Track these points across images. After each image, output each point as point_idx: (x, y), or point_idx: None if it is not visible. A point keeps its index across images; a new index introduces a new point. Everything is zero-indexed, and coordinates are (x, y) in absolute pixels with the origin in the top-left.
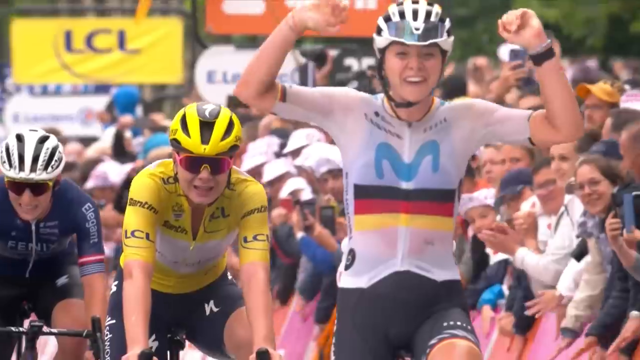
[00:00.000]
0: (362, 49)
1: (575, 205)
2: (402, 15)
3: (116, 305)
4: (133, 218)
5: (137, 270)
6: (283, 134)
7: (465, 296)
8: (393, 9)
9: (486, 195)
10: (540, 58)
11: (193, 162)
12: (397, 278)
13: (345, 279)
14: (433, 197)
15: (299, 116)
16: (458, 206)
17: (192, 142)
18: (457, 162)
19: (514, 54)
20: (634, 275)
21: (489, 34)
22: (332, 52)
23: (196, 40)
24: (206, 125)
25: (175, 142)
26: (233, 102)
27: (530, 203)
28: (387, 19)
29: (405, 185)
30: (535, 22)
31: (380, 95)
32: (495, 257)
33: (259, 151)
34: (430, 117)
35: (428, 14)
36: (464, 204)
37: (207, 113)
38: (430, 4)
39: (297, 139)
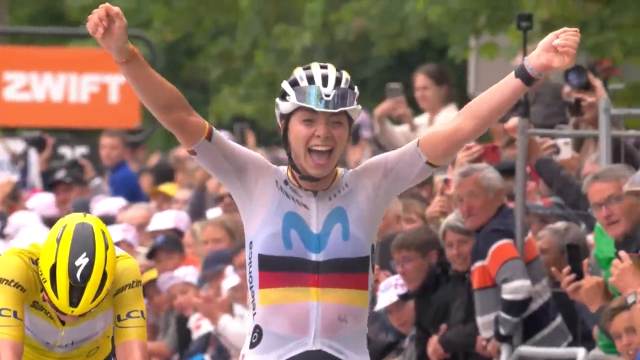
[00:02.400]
0: (75, 139)
1: None
2: (310, 80)
3: None
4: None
5: (5, 349)
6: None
7: None
8: (300, 73)
9: (186, 272)
10: (528, 80)
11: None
12: (310, 358)
13: (251, 358)
14: (345, 268)
15: (215, 164)
16: (372, 278)
17: (60, 303)
18: (367, 228)
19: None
20: None
21: None
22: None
23: None
24: (76, 289)
25: (43, 289)
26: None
27: (229, 281)
28: (294, 84)
29: (314, 257)
30: (555, 64)
31: (283, 167)
32: (197, 332)
33: None
34: (334, 186)
35: (338, 80)
36: (166, 282)
37: (78, 275)
38: (338, 70)
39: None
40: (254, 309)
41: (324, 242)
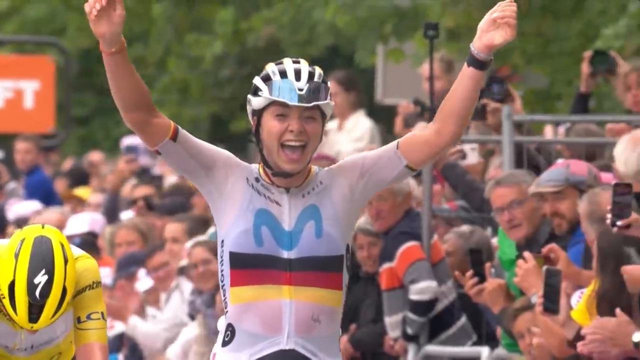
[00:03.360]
0: None
1: (184, 284)
2: (283, 74)
3: None
4: None
5: None
6: None
7: None
8: (272, 68)
9: (102, 275)
10: (481, 65)
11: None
12: (282, 357)
13: (223, 356)
14: (319, 266)
15: (182, 164)
16: (347, 279)
17: (19, 319)
18: (342, 226)
19: (128, 149)
20: None
21: (105, 130)
22: None
23: None
24: (35, 306)
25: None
26: None
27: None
28: (266, 79)
29: (286, 254)
30: (497, 40)
31: (255, 165)
32: (111, 332)
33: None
34: (308, 183)
35: (311, 75)
36: None
37: (37, 293)
38: (311, 65)
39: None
40: (225, 308)
41: (296, 239)
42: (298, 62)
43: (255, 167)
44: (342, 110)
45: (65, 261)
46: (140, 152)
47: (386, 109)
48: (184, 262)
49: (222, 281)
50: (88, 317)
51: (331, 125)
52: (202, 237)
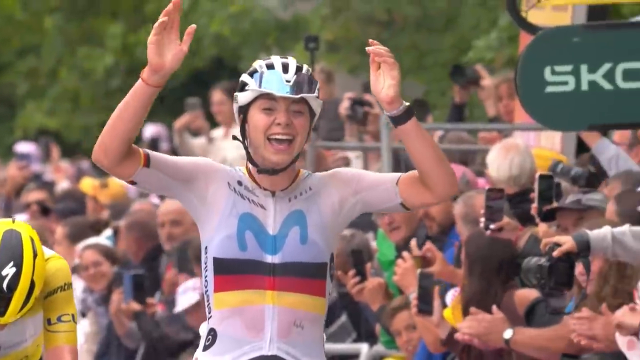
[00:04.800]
0: None
1: (76, 282)
2: (270, 67)
3: None
4: None
5: None
6: None
7: None
8: (259, 63)
9: None
10: (398, 120)
11: None
12: None
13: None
14: (302, 272)
15: (160, 186)
16: (330, 286)
17: None
18: (327, 235)
19: (20, 157)
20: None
21: None
22: None
23: None
24: (3, 298)
25: None
26: None
27: None
28: (253, 73)
29: (270, 258)
30: (391, 91)
31: (240, 167)
32: None
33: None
34: (295, 187)
35: (299, 68)
36: None
37: (4, 285)
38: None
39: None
40: (209, 313)
41: (280, 244)
42: (286, 58)
43: (239, 170)
44: (228, 118)
45: (35, 255)
46: (32, 159)
47: None
48: (76, 261)
49: (205, 287)
50: (59, 319)
51: (217, 133)
52: (92, 240)
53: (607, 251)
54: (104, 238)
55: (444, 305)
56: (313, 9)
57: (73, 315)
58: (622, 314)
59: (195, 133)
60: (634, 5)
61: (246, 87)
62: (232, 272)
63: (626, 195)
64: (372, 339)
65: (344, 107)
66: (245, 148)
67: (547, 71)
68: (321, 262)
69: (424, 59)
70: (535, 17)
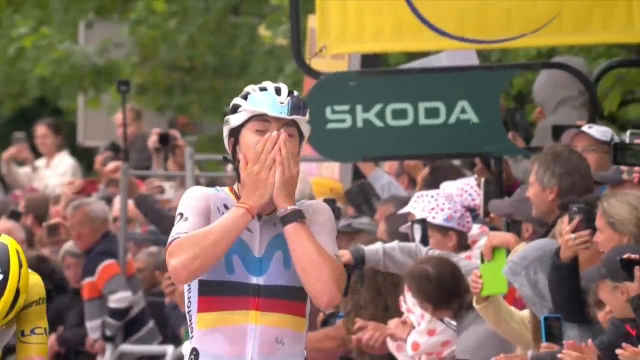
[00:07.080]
0: None
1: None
2: (263, 89)
3: None
4: None
5: None
6: None
7: None
8: (252, 87)
9: None
10: (283, 220)
11: None
12: None
13: None
14: (284, 294)
15: None
16: (309, 307)
17: None
18: None
19: None
20: None
21: None
22: None
23: None
24: None
25: None
26: None
27: None
28: (246, 96)
29: (255, 280)
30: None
31: (223, 188)
32: None
33: None
34: None
35: (291, 92)
36: None
37: None
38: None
39: None
40: (191, 332)
41: (265, 266)
42: (278, 84)
43: (224, 193)
44: (50, 150)
45: (20, 265)
46: None
47: (87, 149)
48: None
49: (188, 307)
50: (32, 331)
51: (40, 162)
52: None
53: (379, 264)
54: None
55: None
56: (125, 56)
57: (45, 329)
58: (395, 326)
59: (21, 163)
60: (399, 55)
61: (239, 109)
62: (217, 294)
63: (394, 217)
64: (176, 341)
65: (152, 140)
66: (235, 169)
67: (328, 110)
68: (301, 286)
69: (221, 100)
70: (317, 64)
